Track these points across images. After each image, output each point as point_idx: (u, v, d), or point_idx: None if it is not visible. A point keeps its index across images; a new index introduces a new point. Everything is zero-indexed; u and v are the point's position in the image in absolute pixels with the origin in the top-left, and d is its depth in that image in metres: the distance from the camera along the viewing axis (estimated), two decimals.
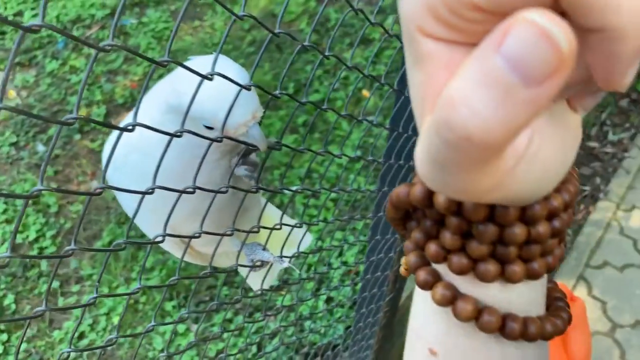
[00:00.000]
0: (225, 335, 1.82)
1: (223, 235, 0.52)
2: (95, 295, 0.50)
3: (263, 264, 0.64)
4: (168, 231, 0.61)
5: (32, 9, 2.81)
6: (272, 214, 0.72)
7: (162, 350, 1.80)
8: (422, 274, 0.29)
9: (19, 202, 2.17)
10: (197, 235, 0.48)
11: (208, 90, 0.47)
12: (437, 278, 0.29)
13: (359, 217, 0.85)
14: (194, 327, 1.88)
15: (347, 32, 2.79)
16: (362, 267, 2.04)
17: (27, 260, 1.99)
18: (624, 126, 2.44)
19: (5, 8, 2.81)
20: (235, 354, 0.85)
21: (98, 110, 2.42)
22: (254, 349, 1.77)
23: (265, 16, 2.81)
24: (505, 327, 0.28)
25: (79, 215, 2.13)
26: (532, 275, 0.28)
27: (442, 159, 0.20)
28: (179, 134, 0.44)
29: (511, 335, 0.28)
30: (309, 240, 0.90)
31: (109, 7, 2.80)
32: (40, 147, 2.31)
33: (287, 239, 0.72)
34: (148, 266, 1.98)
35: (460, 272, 0.27)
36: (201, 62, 0.54)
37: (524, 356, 0.31)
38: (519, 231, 0.26)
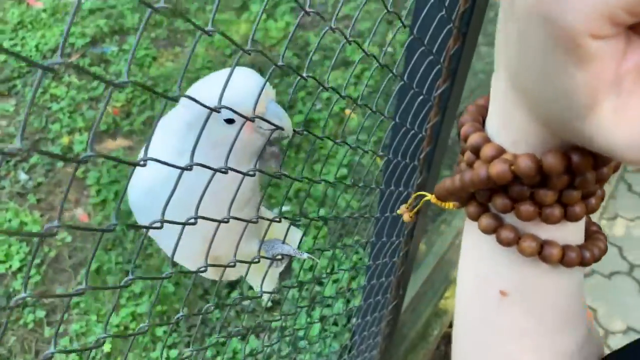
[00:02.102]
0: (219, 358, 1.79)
1: (249, 221, 0.52)
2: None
3: (284, 257, 0.63)
4: (194, 241, 0.60)
5: (11, 39, 2.79)
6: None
7: None
8: (504, 232, 0.33)
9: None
10: (225, 220, 0.48)
11: (220, 87, 0.48)
12: (517, 233, 0.33)
13: (368, 217, 0.85)
14: (185, 350, 1.83)
15: (327, 56, 2.83)
16: (354, 284, 2.03)
17: (11, 290, 1.94)
18: None
19: None
20: None
21: (80, 137, 2.40)
22: None
23: (245, 42, 2.83)
24: (564, 256, 0.33)
25: (64, 243, 2.09)
26: (590, 212, 0.33)
27: None
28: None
29: (570, 262, 0.33)
30: (297, 237, 0.88)
31: (88, 35, 2.80)
32: (23, 176, 2.27)
33: (284, 237, 0.71)
34: (137, 291, 1.94)
35: (555, 221, 0.32)
36: (210, 79, 0.57)
37: (575, 283, 0.36)
38: (607, 172, 0.31)
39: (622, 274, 2.04)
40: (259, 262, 0.57)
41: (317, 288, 2.04)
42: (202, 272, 0.48)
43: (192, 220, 0.44)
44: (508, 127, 0.31)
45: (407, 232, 0.95)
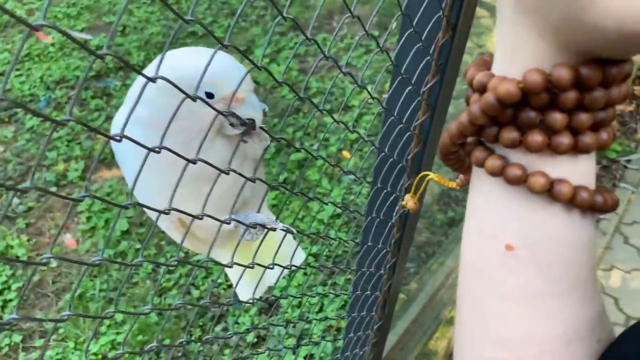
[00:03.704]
0: None
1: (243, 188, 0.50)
2: None
3: (258, 228, 0.61)
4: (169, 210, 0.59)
5: (17, 69, 2.84)
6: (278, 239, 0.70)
7: None
8: (511, 170, 0.32)
9: None
10: (193, 161, 0.46)
11: (207, 59, 0.48)
12: (525, 171, 0.32)
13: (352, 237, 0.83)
14: None
15: (328, 100, 2.87)
16: (343, 323, 1.97)
17: None
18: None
19: None
20: None
21: (76, 165, 2.39)
22: None
23: None
24: (576, 195, 0.31)
25: (49, 268, 2.04)
26: (601, 146, 0.31)
27: None
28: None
29: (582, 203, 0.32)
30: (302, 257, 0.87)
31: (94, 69, 2.84)
32: (14, 200, 2.25)
33: (279, 247, 0.70)
34: (119, 320, 1.88)
35: (565, 149, 0.30)
36: (188, 50, 0.58)
37: (587, 237, 0.34)
38: (624, 91, 0.30)
39: (618, 326, 1.98)
40: (229, 224, 0.55)
41: (306, 325, 1.98)
42: (166, 213, 0.46)
43: (157, 150, 0.42)
44: (517, 56, 0.31)
45: (395, 242, 0.93)
